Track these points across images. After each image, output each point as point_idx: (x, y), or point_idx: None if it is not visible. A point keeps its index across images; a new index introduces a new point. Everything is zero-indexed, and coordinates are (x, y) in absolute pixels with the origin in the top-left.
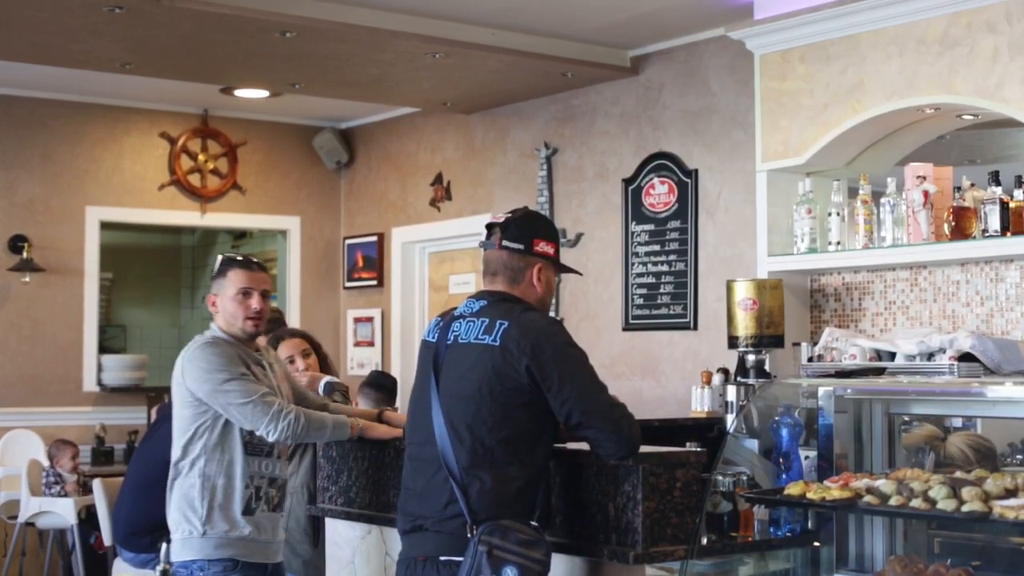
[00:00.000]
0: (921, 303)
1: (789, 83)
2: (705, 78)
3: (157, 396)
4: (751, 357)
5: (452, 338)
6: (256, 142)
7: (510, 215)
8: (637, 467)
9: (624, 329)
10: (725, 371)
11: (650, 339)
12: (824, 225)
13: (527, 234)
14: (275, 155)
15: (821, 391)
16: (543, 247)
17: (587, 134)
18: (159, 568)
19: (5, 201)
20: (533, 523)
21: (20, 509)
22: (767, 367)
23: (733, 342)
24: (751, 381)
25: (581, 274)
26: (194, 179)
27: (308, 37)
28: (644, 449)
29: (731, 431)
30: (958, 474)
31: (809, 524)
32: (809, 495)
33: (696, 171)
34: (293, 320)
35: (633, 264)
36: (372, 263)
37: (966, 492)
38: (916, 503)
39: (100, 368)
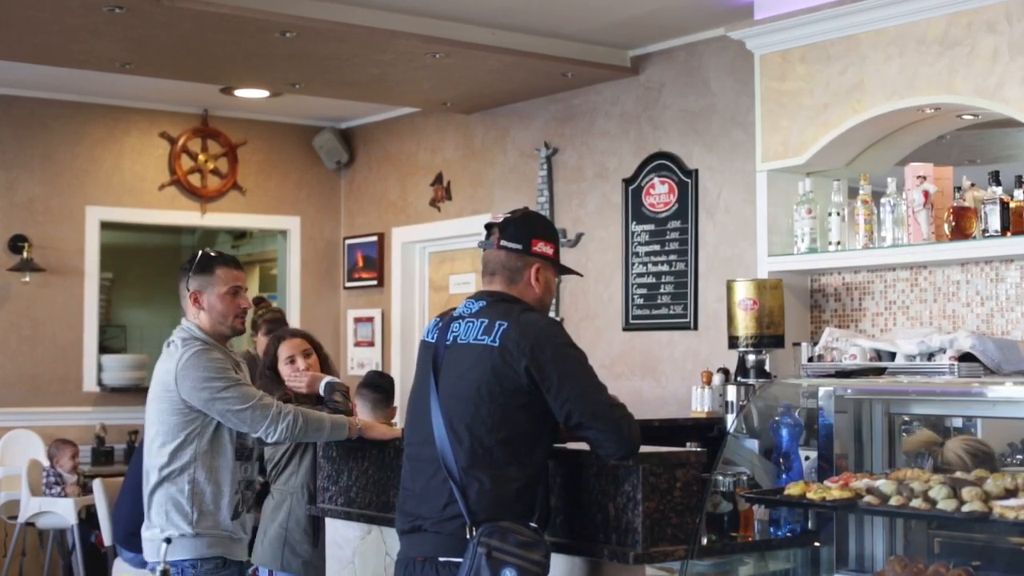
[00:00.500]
0: (921, 303)
1: (789, 83)
2: (705, 78)
3: None
4: (751, 357)
5: (451, 339)
6: (256, 142)
7: (510, 215)
8: (637, 467)
9: (624, 329)
10: (725, 371)
11: (650, 339)
12: (824, 225)
13: (525, 234)
14: (275, 155)
15: (821, 391)
16: (541, 247)
17: (587, 134)
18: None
19: (5, 201)
20: (532, 524)
21: (20, 509)
22: (767, 367)
23: (733, 342)
24: (751, 381)
25: (582, 275)
26: (194, 179)
27: (308, 37)
28: (644, 449)
29: (731, 431)
30: (958, 474)
31: (809, 524)
32: (809, 495)
33: (696, 171)
34: (293, 320)
35: (633, 264)
36: (372, 263)
37: (966, 492)
38: (916, 503)
39: (100, 368)
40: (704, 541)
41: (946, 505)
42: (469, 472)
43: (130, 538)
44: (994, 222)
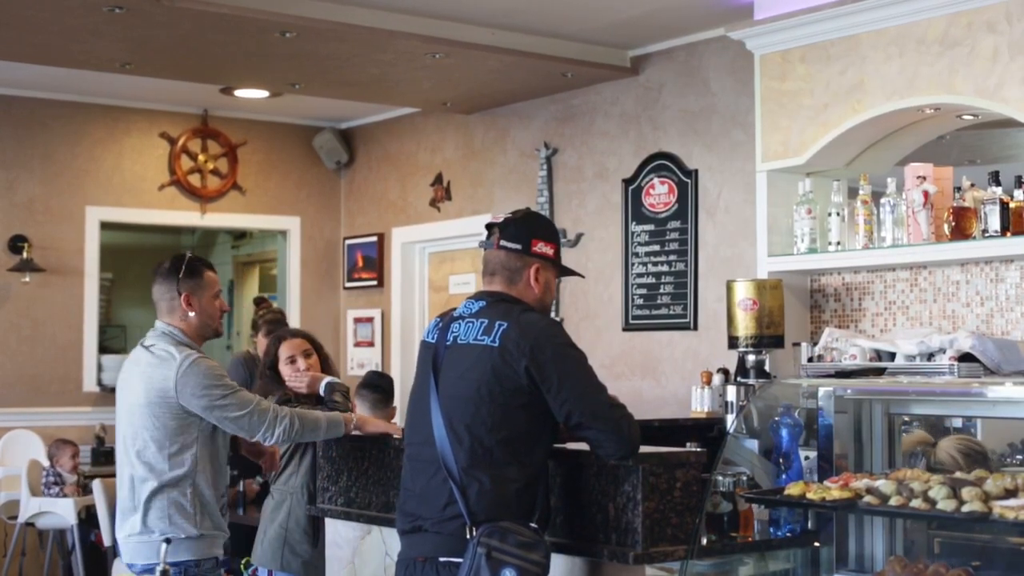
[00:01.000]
0: (921, 303)
1: (789, 83)
2: (705, 78)
3: None
4: (751, 357)
5: (451, 339)
6: (256, 142)
7: (511, 215)
8: (637, 467)
9: (624, 329)
10: (725, 371)
11: (650, 339)
12: (824, 225)
13: (525, 234)
14: (275, 155)
15: (821, 391)
16: (541, 248)
17: (587, 134)
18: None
19: (5, 201)
20: (532, 524)
21: (20, 509)
22: (767, 367)
23: (733, 342)
24: (751, 381)
25: (583, 276)
26: (194, 179)
27: (308, 37)
28: (644, 449)
29: (731, 431)
30: (958, 474)
31: (809, 524)
32: (809, 495)
33: (696, 171)
34: (293, 320)
35: (633, 264)
36: (372, 263)
37: (966, 492)
38: (916, 503)
39: (100, 368)
40: (704, 541)
41: (946, 505)
42: (469, 472)
43: None
44: (994, 222)
